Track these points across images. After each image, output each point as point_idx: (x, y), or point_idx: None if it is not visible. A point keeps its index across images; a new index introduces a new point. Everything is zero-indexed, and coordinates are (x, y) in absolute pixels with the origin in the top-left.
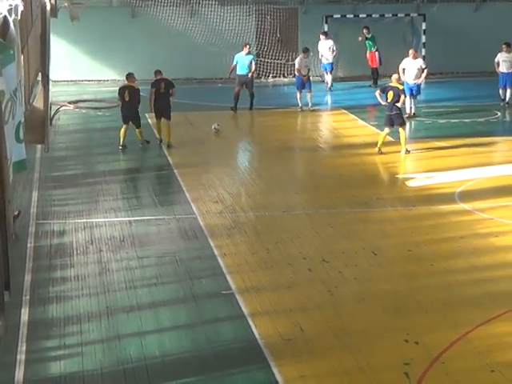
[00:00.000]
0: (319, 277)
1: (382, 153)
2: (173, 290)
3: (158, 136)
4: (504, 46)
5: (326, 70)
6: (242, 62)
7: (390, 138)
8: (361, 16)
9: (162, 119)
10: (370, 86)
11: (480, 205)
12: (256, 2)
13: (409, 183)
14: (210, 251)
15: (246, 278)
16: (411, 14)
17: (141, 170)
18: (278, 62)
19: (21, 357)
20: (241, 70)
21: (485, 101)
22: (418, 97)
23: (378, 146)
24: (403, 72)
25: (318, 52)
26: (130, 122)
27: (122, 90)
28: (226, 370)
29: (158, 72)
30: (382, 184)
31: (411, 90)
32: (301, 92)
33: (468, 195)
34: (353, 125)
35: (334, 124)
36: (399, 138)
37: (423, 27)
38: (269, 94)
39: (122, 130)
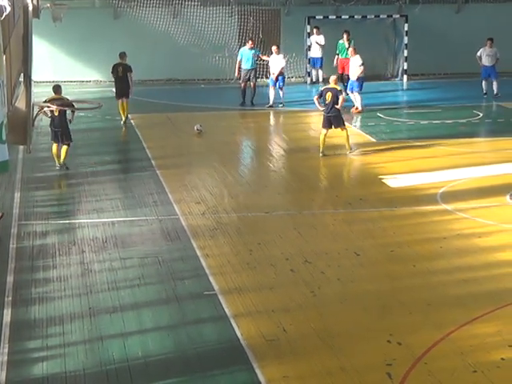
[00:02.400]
0: (302, 277)
1: (325, 155)
2: (155, 290)
3: (122, 117)
4: (488, 41)
5: (315, 65)
6: (247, 56)
7: (371, 139)
8: (343, 17)
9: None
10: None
11: (462, 205)
12: (238, 3)
13: (391, 184)
14: (193, 252)
15: (229, 278)
16: (393, 16)
17: (123, 171)
18: (261, 62)
19: (3, 358)
20: (245, 64)
21: (467, 102)
22: (358, 92)
23: (321, 149)
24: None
25: (309, 47)
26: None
27: (50, 103)
28: (209, 371)
29: (120, 55)
30: (365, 185)
31: (352, 87)
32: (273, 88)
33: (450, 196)
34: None
35: (316, 125)
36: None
37: (405, 28)
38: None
39: (54, 148)
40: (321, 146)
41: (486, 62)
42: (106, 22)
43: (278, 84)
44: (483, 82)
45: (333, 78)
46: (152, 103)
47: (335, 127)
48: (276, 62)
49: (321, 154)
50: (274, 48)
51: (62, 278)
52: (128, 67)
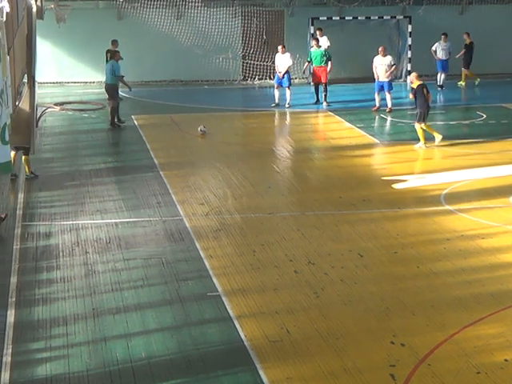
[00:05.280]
0: (305, 279)
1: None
2: (159, 291)
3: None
4: (443, 36)
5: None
6: (106, 68)
7: (375, 140)
8: (347, 18)
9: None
10: (327, 103)
11: (466, 206)
12: (242, 4)
13: (395, 185)
14: (197, 253)
15: (233, 279)
16: (397, 17)
17: (127, 172)
18: (264, 63)
19: (7, 359)
20: (106, 78)
21: (470, 103)
22: (389, 91)
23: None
24: (376, 70)
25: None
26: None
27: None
28: (213, 372)
29: (111, 42)
30: (369, 186)
31: (382, 87)
32: (277, 87)
33: (454, 197)
34: (339, 127)
35: (320, 126)
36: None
37: (409, 29)
38: (255, 96)
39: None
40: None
41: (442, 55)
42: (110, 23)
43: (282, 83)
44: (438, 75)
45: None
46: (155, 104)
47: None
48: (282, 61)
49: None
50: (279, 47)
51: (66, 278)
52: (113, 53)
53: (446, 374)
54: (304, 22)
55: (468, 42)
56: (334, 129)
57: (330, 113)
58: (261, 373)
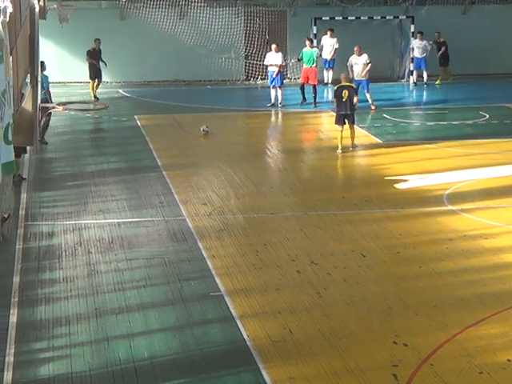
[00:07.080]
0: (308, 279)
1: (344, 152)
2: (162, 291)
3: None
4: (418, 34)
5: (328, 66)
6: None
7: (377, 140)
8: (349, 18)
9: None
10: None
11: (469, 206)
12: (245, 3)
13: (398, 185)
14: (199, 253)
15: (235, 279)
16: (400, 17)
17: (130, 172)
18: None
19: (9, 359)
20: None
21: (473, 103)
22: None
23: (340, 147)
24: (351, 69)
25: (321, 47)
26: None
27: None
28: (215, 372)
29: (95, 41)
30: (371, 186)
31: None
32: (273, 87)
33: (457, 197)
34: None
35: (322, 126)
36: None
37: (412, 30)
38: (257, 96)
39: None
40: (340, 143)
41: (416, 53)
42: (113, 23)
43: (274, 82)
44: (414, 73)
45: (342, 75)
46: (158, 104)
47: (349, 123)
48: (274, 60)
49: (339, 151)
50: (273, 46)
51: (69, 278)
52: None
53: (448, 374)
54: (307, 22)
55: (442, 40)
56: (336, 129)
57: (332, 113)
58: (263, 373)
